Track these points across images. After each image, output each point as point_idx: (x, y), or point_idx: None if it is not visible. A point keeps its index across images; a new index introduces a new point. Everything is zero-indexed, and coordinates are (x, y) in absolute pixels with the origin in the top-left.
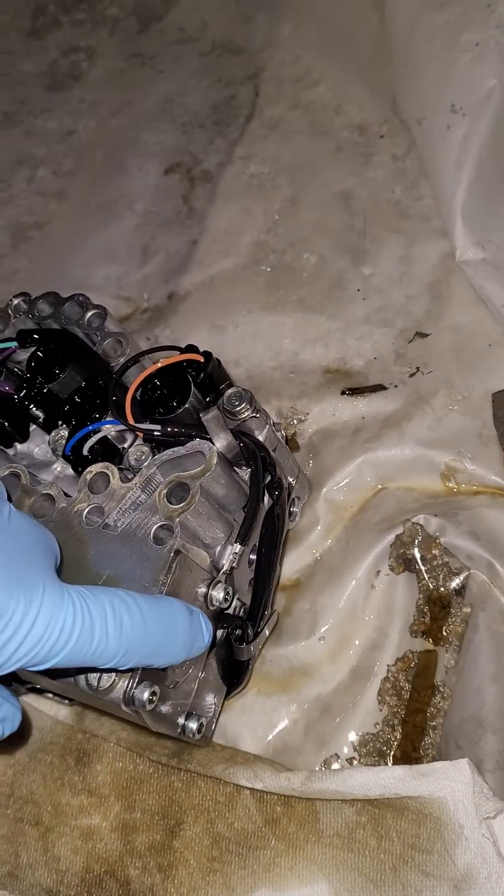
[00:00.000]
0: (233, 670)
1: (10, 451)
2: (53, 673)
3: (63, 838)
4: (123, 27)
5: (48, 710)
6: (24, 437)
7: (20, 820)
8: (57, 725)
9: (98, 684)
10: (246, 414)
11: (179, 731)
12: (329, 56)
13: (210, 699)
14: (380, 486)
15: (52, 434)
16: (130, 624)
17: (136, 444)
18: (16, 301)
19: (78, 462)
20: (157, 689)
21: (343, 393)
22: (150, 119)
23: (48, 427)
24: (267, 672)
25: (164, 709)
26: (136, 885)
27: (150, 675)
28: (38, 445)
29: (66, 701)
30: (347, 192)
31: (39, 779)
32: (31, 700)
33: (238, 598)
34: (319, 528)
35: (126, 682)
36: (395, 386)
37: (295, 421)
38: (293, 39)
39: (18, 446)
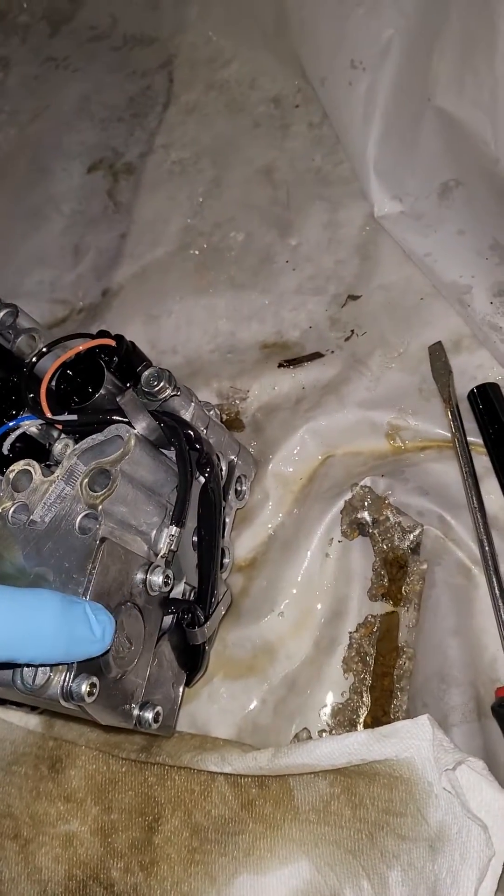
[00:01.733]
0: (189, 656)
1: None
2: None
3: (43, 848)
4: (34, 32)
5: (18, 721)
6: None
7: None
8: (28, 736)
9: (34, 682)
10: (166, 393)
11: (135, 722)
12: (237, 33)
13: (168, 688)
14: (326, 455)
15: None
16: None
17: (60, 437)
18: None
19: (0, 463)
20: (95, 680)
21: (280, 366)
22: (69, 120)
23: None
24: (230, 655)
25: (113, 701)
26: (120, 886)
27: (89, 666)
28: None
29: (33, 710)
30: (269, 165)
31: (15, 791)
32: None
33: (187, 583)
34: (270, 503)
35: (62, 677)
36: (332, 352)
37: (237, 400)
38: (200, 21)
39: None
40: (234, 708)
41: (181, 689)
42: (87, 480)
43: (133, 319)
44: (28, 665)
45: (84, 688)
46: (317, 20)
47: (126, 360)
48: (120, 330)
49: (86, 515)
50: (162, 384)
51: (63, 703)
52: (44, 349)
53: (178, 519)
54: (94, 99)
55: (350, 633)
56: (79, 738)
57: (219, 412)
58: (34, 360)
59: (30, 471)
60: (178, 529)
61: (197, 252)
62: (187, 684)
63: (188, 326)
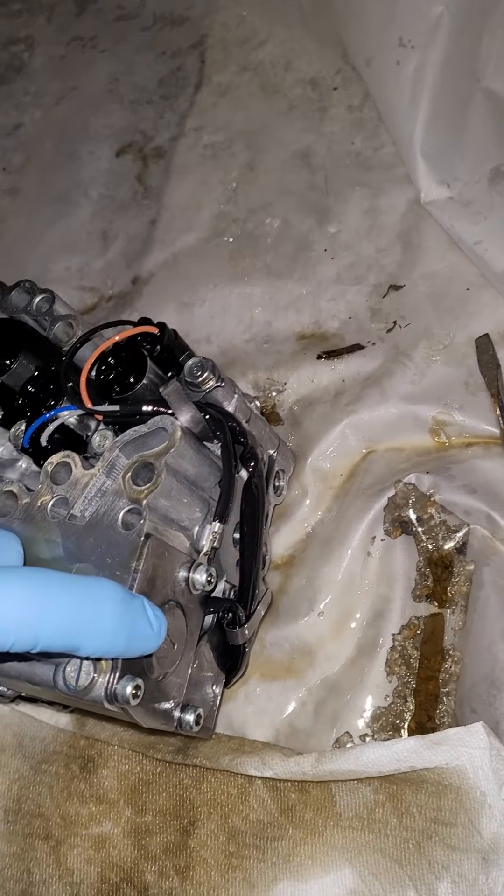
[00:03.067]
0: (229, 656)
1: None
2: None
3: (75, 849)
4: (60, 12)
5: (48, 719)
6: None
7: (29, 835)
8: (59, 734)
9: (77, 683)
10: (210, 384)
11: (176, 725)
12: (273, 13)
13: (208, 689)
14: (367, 450)
15: (13, 429)
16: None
17: (99, 429)
18: None
19: (38, 454)
20: (140, 682)
21: (319, 357)
22: (96, 102)
23: (8, 423)
24: (268, 656)
25: (155, 703)
26: (155, 890)
27: (133, 667)
28: (1, 444)
29: (65, 708)
30: (306, 150)
31: (46, 791)
32: (29, 710)
33: (227, 581)
34: (309, 499)
35: (107, 678)
36: (373, 344)
37: (273, 392)
38: (233, 1)
39: None
40: (272, 710)
41: (220, 691)
42: (129, 474)
43: (165, 307)
44: (85, 658)
45: (129, 690)
46: None
47: (168, 349)
48: (152, 318)
49: (129, 510)
50: (206, 375)
51: (107, 705)
52: (84, 338)
53: (222, 515)
54: (123, 80)
55: (393, 634)
56: (112, 738)
57: (259, 405)
58: (77, 346)
59: (69, 463)
60: (222, 526)
61: (231, 239)
62: (226, 685)
63: (222, 315)
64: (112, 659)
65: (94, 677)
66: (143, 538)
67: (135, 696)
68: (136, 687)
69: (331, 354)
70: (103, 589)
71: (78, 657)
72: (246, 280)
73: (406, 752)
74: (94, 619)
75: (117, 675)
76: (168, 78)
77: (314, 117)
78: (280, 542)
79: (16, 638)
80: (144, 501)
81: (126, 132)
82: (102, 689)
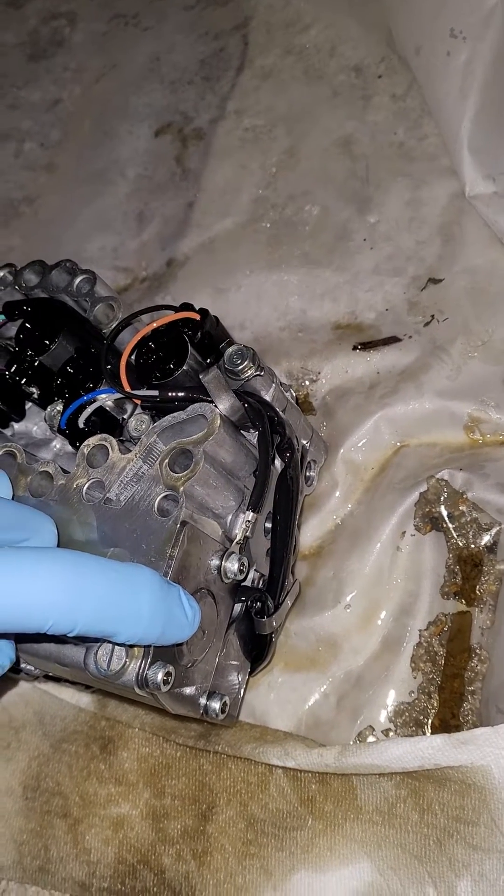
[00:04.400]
0: (255, 645)
1: (8, 432)
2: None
3: (93, 829)
4: None
5: (69, 698)
6: (21, 415)
7: (48, 812)
8: (80, 714)
9: (108, 667)
10: (249, 372)
11: (202, 711)
12: None
13: (233, 677)
14: (400, 444)
15: (49, 409)
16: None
17: (135, 412)
18: (1, 273)
19: (75, 436)
20: (171, 669)
21: (355, 348)
22: (136, 80)
23: (44, 403)
24: (293, 646)
25: (183, 689)
26: (171, 874)
27: (164, 654)
28: (35, 423)
29: (87, 688)
30: (347, 137)
31: (65, 769)
32: (51, 689)
33: (256, 570)
34: (339, 491)
35: (138, 664)
36: (410, 337)
37: (307, 382)
38: None
39: (16, 426)
40: (295, 700)
41: (245, 679)
42: (167, 460)
43: (200, 292)
44: (120, 644)
45: (160, 676)
46: None
47: (209, 335)
48: (186, 302)
49: (165, 497)
50: (246, 363)
51: (137, 690)
52: (126, 321)
53: (256, 504)
54: (164, 59)
55: (420, 630)
56: (133, 720)
57: (294, 394)
58: (119, 329)
59: (106, 447)
60: (255, 515)
61: (268, 225)
62: (251, 674)
63: (258, 302)
64: (144, 645)
65: (125, 662)
66: (179, 525)
67: (165, 682)
68: (168, 674)
69: (366, 346)
70: (142, 576)
71: (113, 643)
72: (283, 267)
73: (431, 749)
74: (132, 606)
75: (149, 661)
76: (210, 59)
77: (357, 105)
78: (308, 532)
79: (55, 620)
80: (181, 488)
81: (166, 112)
82: (133, 675)
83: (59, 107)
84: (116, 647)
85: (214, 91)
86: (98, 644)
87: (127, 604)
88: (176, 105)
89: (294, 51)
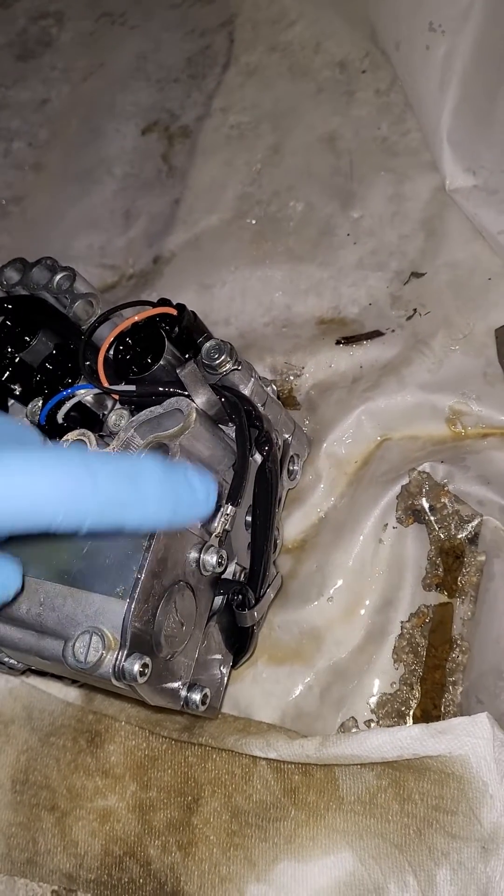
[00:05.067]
0: (237, 638)
1: None
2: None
3: (80, 822)
4: None
5: (57, 692)
6: (3, 411)
7: (36, 805)
8: (67, 708)
9: (85, 660)
10: (227, 367)
11: (183, 703)
12: None
13: (216, 669)
14: (382, 437)
15: (30, 406)
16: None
17: (115, 408)
18: None
19: (54, 431)
20: (148, 660)
21: (338, 343)
22: (124, 79)
23: (26, 400)
24: (277, 638)
25: (163, 682)
26: (157, 865)
27: (141, 646)
28: (18, 421)
29: (74, 683)
30: (332, 133)
31: (53, 763)
32: (39, 683)
33: (237, 563)
34: (322, 485)
35: (114, 655)
36: (393, 331)
37: (291, 377)
38: None
39: None
40: (279, 692)
41: (228, 672)
42: (144, 454)
43: (185, 288)
44: (134, 531)
45: (136, 668)
46: None
47: (186, 330)
48: (172, 298)
49: None
50: (223, 357)
51: (115, 682)
52: (104, 317)
53: (235, 498)
54: (151, 58)
55: (402, 622)
56: (119, 714)
57: (276, 388)
58: (95, 325)
59: (84, 441)
60: (234, 508)
61: (253, 221)
62: (233, 666)
63: (242, 298)
64: (120, 636)
65: (102, 654)
66: None
67: (142, 673)
68: (144, 665)
69: (350, 340)
70: (142, 462)
71: (126, 533)
72: (267, 263)
73: (410, 739)
74: (137, 491)
75: (125, 653)
76: (196, 57)
77: (342, 101)
78: (292, 526)
79: (64, 516)
80: None
81: (152, 110)
82: (110, 666)
83: (47, 106)
84: (94, 639)
85: (201, 89)
86: (74, 637)
87: (133, 491)
88: (162, 103)
89: (279, 47)
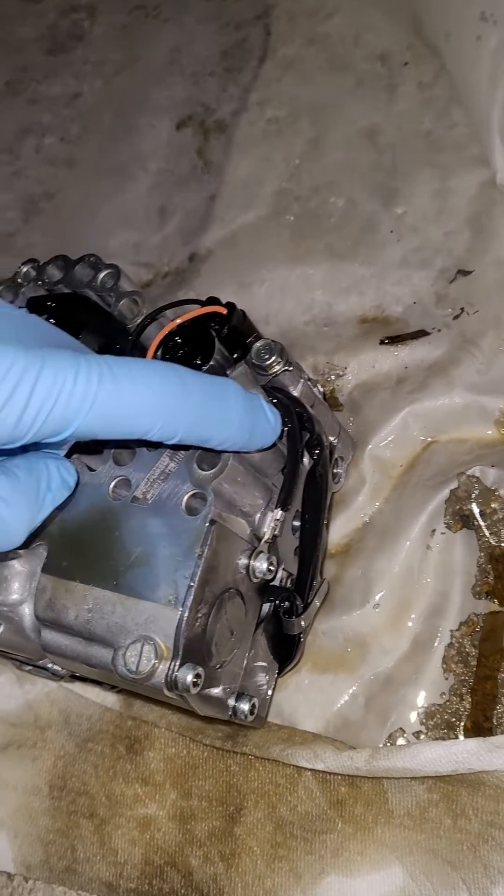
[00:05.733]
0: (284, 646)
1: None
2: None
3: (119, 830)
4: None
5: (95, 697)
6: None
7: (74, 812)
8: (105, 713)
9: (137, 669)
10: (277, 367)
11: (230, 713)
12: None
13: (261, 678)
14: (429, 440)
15: None
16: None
17: None
18: (24, 269)
19: None
20: (201, 670)
21: (382, 342)
22: (157, 73)
23: None
24: (321, 646)
25: (212, 691)
26: (199, 875)
27: (193, 655)
28: None
29: (112, 687)
30: (373, 128)
31: (91, 769)
32: (76, 688)
33: (284, 569)
34: (367, 488)
35: (167, 665)
36: (439, 330)
37: (333, 377)
38: None
39: None
40: (323, 701)
41: (273, 680)
42: (195, 458)
43: (223, 286)
44: (210, 449)
45: (190, 678)
46: None
47: (235, 330)
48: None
49: (193, 495)
50: (274, 358)
51: (167, 692)
52: (151, 317)
53: (285, 502)
54: (185, 51)
55: (451, 631)
56: (160, 720)
57: (321, 389)
58: (147, 322)
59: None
60: (284, 513)
61: (292, 218)
62: (278, 674)
63: (282, 295)
64: (173, 645)
65: (154, 664)
66: (207, 524)
67: (195, 684)
68: (197, 675)
69: (394, 340)
70: (229, 384)
71: (204, 448)
72: (307, 260)
73: (466, 753)
74: (224, 409)
75: (178, 662)
76: (232, 50)
77: (382, 95)
78: (336, 530)
79: (161, 425)
80: (210, 487)
81: (187, 105)
82: (163, 676)
83: (79, 100)
84: (146, 648)
85: (236, 82)
86: (125, 646)
87: (220, 408)
88: (197, 97)
89: (317, 40)
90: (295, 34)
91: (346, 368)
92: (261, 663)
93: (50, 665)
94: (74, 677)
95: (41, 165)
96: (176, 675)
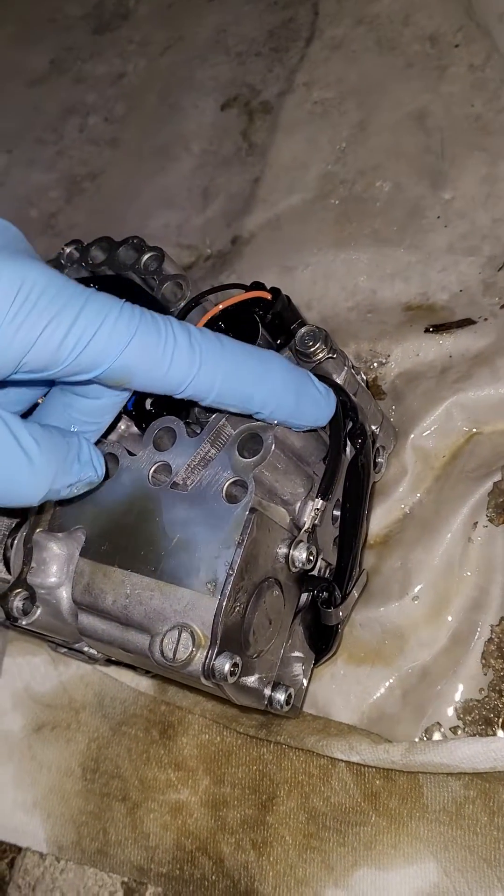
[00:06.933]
0: (321, 636)
1: None
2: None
3: (152, 814)
4: None
5: (129, 681)
6: None
7: (107, 795)
8: (139, 697)
9: (175, 656)
10: (321, 355)
11: (266, 703)
12: None
13: (298, 668)
14: (473, 430)
15: None
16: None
17: None
18: (68, 250)
19: (142, 418)
20: (238, 659)
21: (427, 330)
22: (202, 53)
23: None
24: (357, 637)
25: (249, 681)
26: (230, 863)
27: (230, 644)
28: None
29: (146, 672)
30: (422, 110)
31: (124, 752)
32: (111, 672)
33: (323, 559)
34: (408, 479)
35: (205, 653)
36: (485, 319)
37: (375, 364)
38: None
39: None
40: (359, 692)
41: (310, 670)
42: (236, 445)
43: (266, 270)
44: (258, 418)
45: (227, 667)
46: None
47: (280, 315)
48: (252, 280)
49: (234, 482)
50: (318, 345)
51: (203, 681)
52: (196, 300)
53: (326, 492)
54: (231, 31)
55: (492, 626)
56: (194, 707)
57: (364, 377)
58: (190, 307)
59: (173, 429)
60: (324, 503)
61: (337, 201)
62: (314, 665)
63: (325, 280)
64: (210, 633)
65: (192, 651)
66: (248, 513)
67: (233, 673)
68: (235, 665)
69: (439, 328)
70: (270, 352)
71: (249, 415)
72: (352, 245)
73: None
74: (263, 365)
75: (216, 650)
76: (278, 30)
77: (432, 76)
78: (375, 521)
79: (196, 372)
80: (251, 474)
81: (232, 85)
82: (200, 664)
83: (123, 80)
84: (183, 636)
85: (283, 63)
86: (163, 632)
87: (259, 365)
88: (242, 78)
89: (366, 20)
90: (343, 14)
91: (389, 356)
92: (297, 653)
93: (86, 648)
94: (109, 661)
95: (85, 145)
96: (213, 664)
